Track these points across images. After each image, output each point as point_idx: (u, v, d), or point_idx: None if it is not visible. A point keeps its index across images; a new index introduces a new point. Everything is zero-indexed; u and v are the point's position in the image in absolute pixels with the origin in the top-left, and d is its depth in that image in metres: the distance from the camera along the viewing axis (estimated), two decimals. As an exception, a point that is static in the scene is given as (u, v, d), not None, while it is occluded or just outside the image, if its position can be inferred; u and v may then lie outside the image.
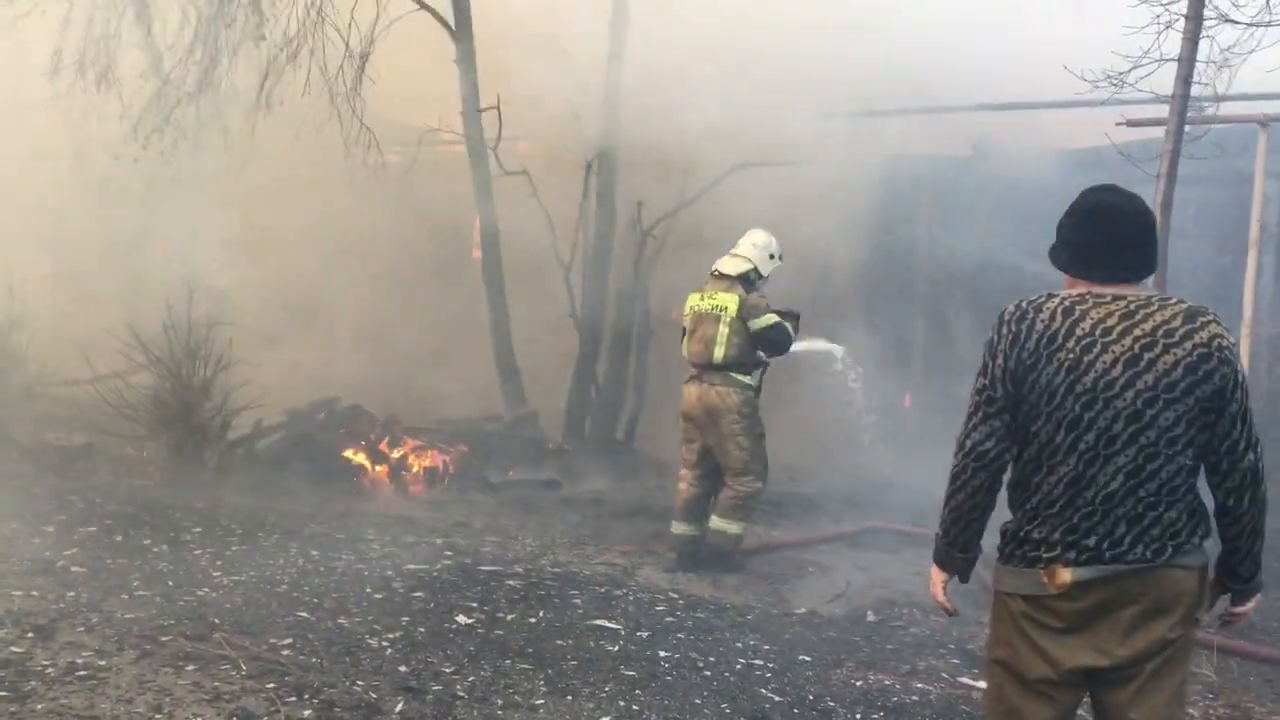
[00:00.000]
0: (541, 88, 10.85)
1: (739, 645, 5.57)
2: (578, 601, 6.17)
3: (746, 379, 7.18)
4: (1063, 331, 2.81)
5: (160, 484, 8.89)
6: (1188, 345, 2.76)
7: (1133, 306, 2.82)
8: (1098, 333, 2.79)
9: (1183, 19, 7.12)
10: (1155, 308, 2.82)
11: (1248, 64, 7.82)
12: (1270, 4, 7.22)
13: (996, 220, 12.20)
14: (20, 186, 11.80)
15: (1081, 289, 2.89)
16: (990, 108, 11.48)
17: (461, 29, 10.81)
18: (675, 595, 6.55)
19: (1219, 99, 7.58)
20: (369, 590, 6.13)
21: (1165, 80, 7.40)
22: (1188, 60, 7.19)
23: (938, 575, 3.15)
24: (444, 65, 11.27)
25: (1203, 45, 7.11)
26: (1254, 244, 7.96)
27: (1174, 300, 2.86)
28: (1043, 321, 2.84)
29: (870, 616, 6.41)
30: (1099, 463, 2.79)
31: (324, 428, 10.03)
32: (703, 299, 7.25)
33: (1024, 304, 2.91)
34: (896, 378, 13.66)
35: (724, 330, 7.09)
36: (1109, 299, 2.84)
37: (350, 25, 10.46)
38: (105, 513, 7.73)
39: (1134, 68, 7.23)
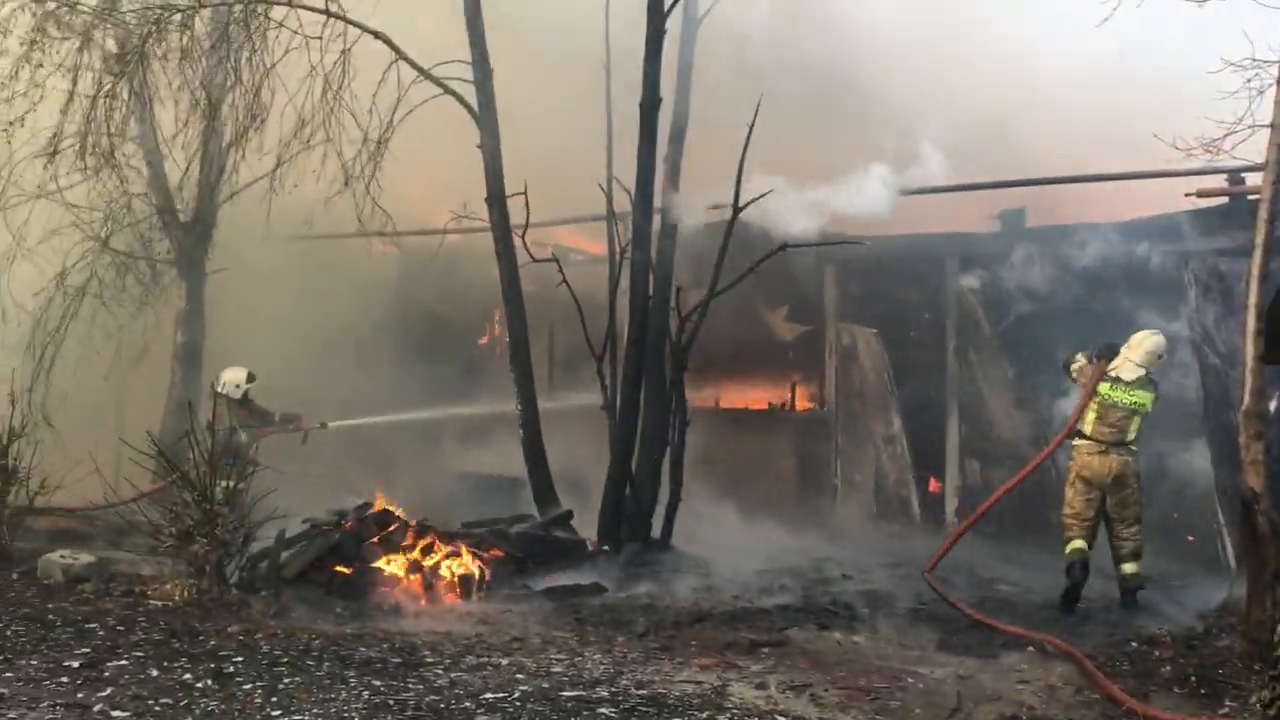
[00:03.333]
0: (571, 173, 10.54)
1: (888, 780, 4.97)
2: (687, 732, 5.55)
3: (1138, 450, 9.22)
4: None
5: (183, 605, 8.16)
6: None
7: None
8: None
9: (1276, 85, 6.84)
10: None
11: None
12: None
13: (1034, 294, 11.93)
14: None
15: None
16: (1031, 183, 11.22)
17: (486, 113, 10.41)
18: (783, 718, 5.94)
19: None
20: (453, 727, 5.49)
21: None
22: (1283, 127, 6.90)
23: None
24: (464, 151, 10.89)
25: None
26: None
27: None
28: None
29: (1004, 737, 5.83)
30: None
31: (353, 536, 9.33)
32: (1117, 391, 9.10)
33: None
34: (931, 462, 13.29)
35: (1138, 421, 9.11)
36: None
37: (371, 111, 10.10)
38: (132, 642, 7.04)
39: (1228, 134, 6.92)
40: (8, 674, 6.24)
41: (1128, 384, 9.09)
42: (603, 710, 5.86)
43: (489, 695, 6.08)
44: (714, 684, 6.62)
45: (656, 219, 10.83)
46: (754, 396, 14.69)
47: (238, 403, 11.61)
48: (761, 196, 10.68)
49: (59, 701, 5.72)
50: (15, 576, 8.85)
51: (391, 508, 9.82)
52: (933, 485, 13.44)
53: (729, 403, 14.63)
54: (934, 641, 7.81)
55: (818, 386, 14.15)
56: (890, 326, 13.27)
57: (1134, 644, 7.77)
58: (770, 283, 13.03)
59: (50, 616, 7.63)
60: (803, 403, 14.29)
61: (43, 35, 10.52)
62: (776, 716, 6.00)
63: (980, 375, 12.56)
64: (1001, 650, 7.63)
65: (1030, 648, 7.62)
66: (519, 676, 6.55)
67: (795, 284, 13.66)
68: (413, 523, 9.73)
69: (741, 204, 10.47)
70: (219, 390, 11.70)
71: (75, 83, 10.28)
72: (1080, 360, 9.43)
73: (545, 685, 6.37)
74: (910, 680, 6.91)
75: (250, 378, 11.82)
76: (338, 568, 9.11)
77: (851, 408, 13.59)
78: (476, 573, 9.51)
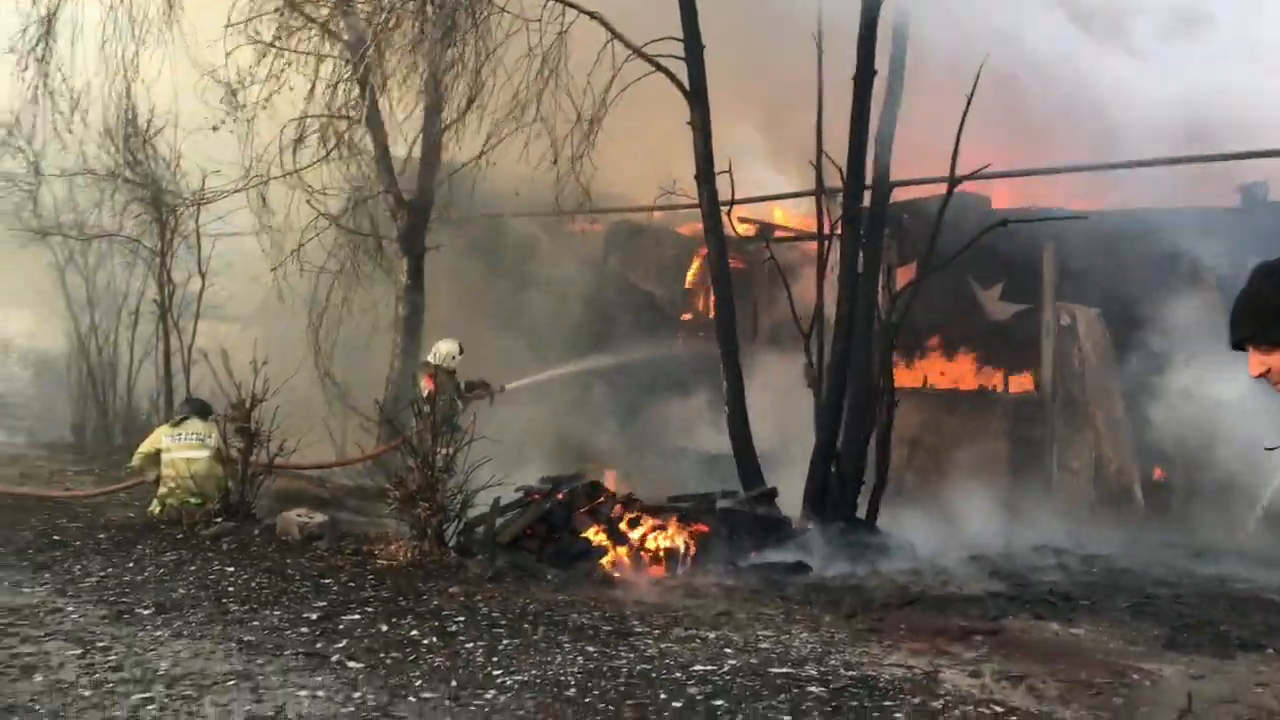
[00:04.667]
0: (781, 149, 10.48)
1: (1116, 780, 4.79)
2: (899, 716, 5.49)
3: None
4: None
5: (406, 565, 8.61)
6: None
7: None
8: None
9: None
10: None
11: None
12: None
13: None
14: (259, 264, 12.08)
15: None
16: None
17: (697, 91, 10.45)
18: (999, 709, 5.79)
19: None
20: (664, 696, 5.59)
21: None
22: None
23: None
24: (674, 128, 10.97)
25: None
26: None
27: None
28: None
29: (1241, 743, 5.51)
30: None
31: (564, 505, 9.61)
32: None
33: None
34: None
35: None
36: None
37: (586, 90, 10.31)
38: (362, 598, 7.48)
39: None
40: (254, 623, 6.75)
41: None
42: (812, 689, 5.86)
43: (699, 667, 6.17)
44: (925, 669, 6.50)
45: (867, 195, 10.65)
46: (964, 377, 14.30)
47: (447, 373, 12.17)
48: (979, 171, 10.39)
49: (300, 650, 6.14)
50: (257, 533, 9.51)
51: (601, 480, 10.08)
52: (1158, 473, 12.77)
53: (937, 383, 14.29)
54: (1161, 637, 7.44)
55: (1033, 368, 13.63)
56: (1115, 306, 12.62)
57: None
58: (983, 260, 12.64)
59: (289, 571, 8.20)
60: (1017, 385, 13.80)
61: (286, 31, 11.25)
62: (992, 706, 5.83)
63: (1215, 358, 11.79)
64: (1238, 651, 7.21)
65: (1270, 649, 7.17)
66: (727, 650, 6.62)
67: (1010, 261, 13.19)
68: (621, 495, 9.97)
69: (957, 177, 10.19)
70: (435, 362, 12.28)
71: (317, 71, 10.95)
72: None
73: (754, 661, 6.41)
74: (1135, 677, 6.60)
75: (460, 349, 12.38)
76: (550, 536, 9.42)
77: (1070, 390, 13.02)
78: (682, 547, 9.66)
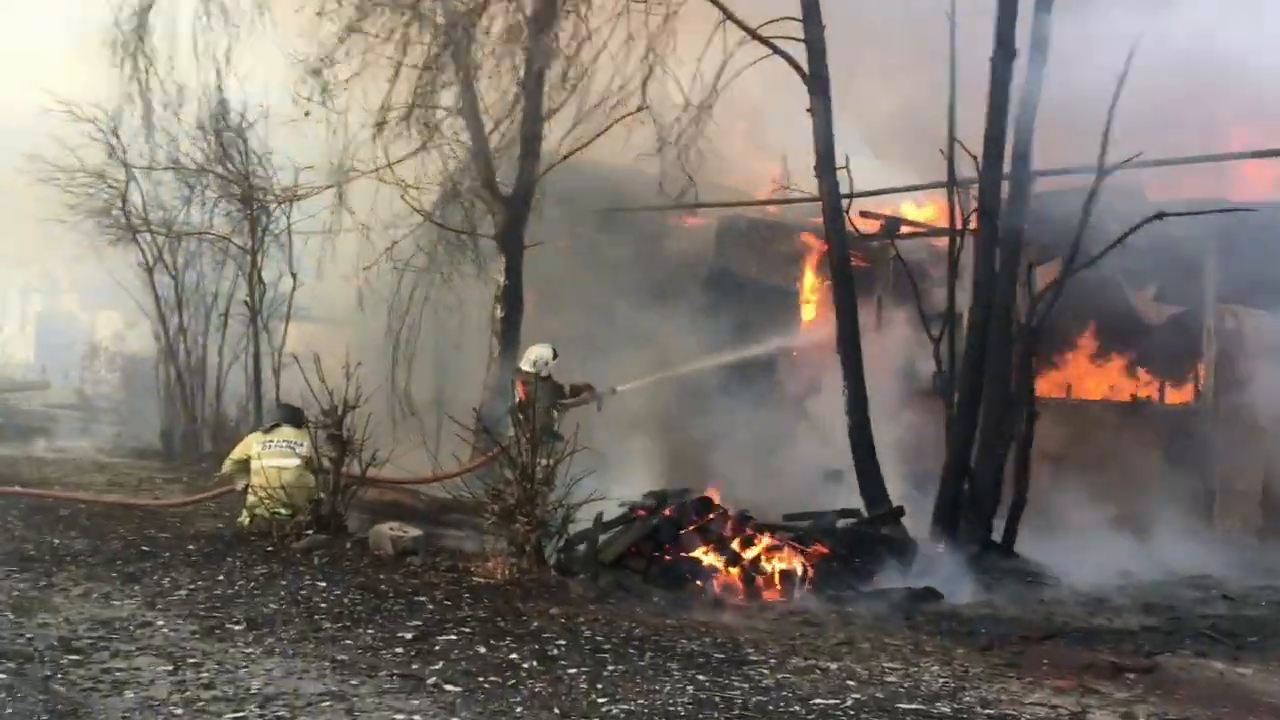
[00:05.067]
0: (909, 137, 10.36)
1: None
2: (1043, 760, 5.37)
3: None
4: None
5: (504, 584, 8.72)
6: None
7: None
8: None
9: None
10: None
11: None
12: None
13: None
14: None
15: None
16: None
17: (817, 76, 10.37)
18: (1156, 755, 5.64)
19: None
20: (784, 733, 5.57)
21: None
22: None
23: None
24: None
25: None
26: None
27: None
28: None
29: None
30: None
31: (671, 522, 9.63)
32: None
33: None
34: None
35: None
36: None
37: (696, 76, 10.33)
38: (459, 618, 7.59)
39: None
40: (347, 641, 6.91)
41: None
42: (944, 728, 5.77)
43: (819, 701, 6.11)
44: (1071, 709, 6.35)
45: (1005, 186, 10.45)
46: (1113, 386, 13.94)
47: (542, 379, 12.22)
48: (1131, 159, 10.12)
49: (395, 672, 6.26)
50: (349, 546, 9.74)
51: (712, 495, 10.08)
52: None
53: (1082, 393, 13.95)
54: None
55: (1192, 377, 13.21)
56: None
57: None
58: (1136, 257, 12.26)
59: (383, 587, 8.37)
60: (1173, 395, 13.39)
61: (375, 13, 11.54)
62: (1147, 752, 5.69)
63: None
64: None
65: None
66: (850, 683, 6.55)
67: (1166, 259, 12.78)
68: (732, 512, 9.94)
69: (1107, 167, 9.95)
70: (530, 369, 12.29)
71: (404, 54, 11.20)
72: None
73: (880, 695, 6.33)
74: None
75: (555, 353, 12.37)
76: (656, 554, 9.44)
77: (1234, 402, 12.57)
78: (799, 569, 9.60)
